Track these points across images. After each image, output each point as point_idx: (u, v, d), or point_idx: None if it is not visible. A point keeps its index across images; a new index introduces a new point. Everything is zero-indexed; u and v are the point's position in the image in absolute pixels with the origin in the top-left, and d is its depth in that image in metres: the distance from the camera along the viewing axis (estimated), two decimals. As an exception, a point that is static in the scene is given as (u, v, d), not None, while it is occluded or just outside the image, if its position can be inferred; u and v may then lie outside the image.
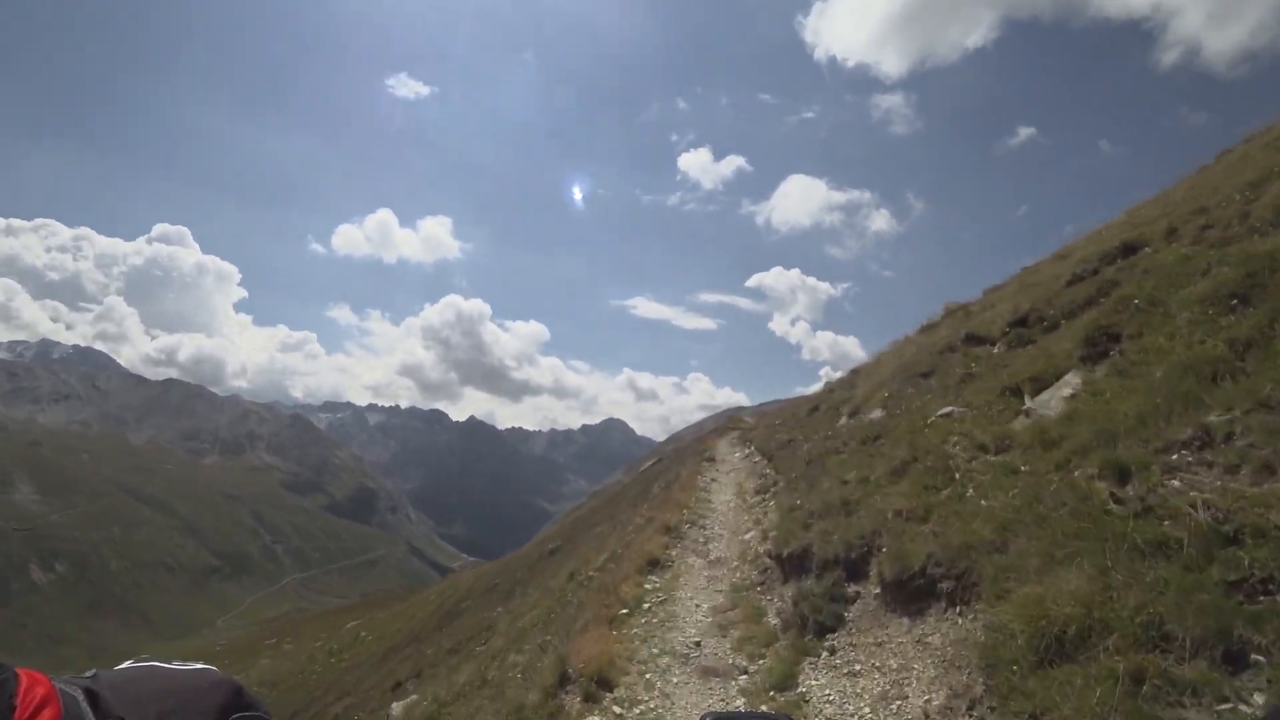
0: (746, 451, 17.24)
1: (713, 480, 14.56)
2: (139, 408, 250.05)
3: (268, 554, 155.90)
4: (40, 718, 0.52)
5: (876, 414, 10.10)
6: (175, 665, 0.62)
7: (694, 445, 26.13)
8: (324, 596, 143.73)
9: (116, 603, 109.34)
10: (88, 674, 0.57)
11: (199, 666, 0.62)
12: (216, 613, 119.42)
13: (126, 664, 0.60)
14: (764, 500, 10.84)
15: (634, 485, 25.63)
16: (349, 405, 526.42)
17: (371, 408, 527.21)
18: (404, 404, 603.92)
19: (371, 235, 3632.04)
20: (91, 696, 0.59)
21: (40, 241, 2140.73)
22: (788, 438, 14.05)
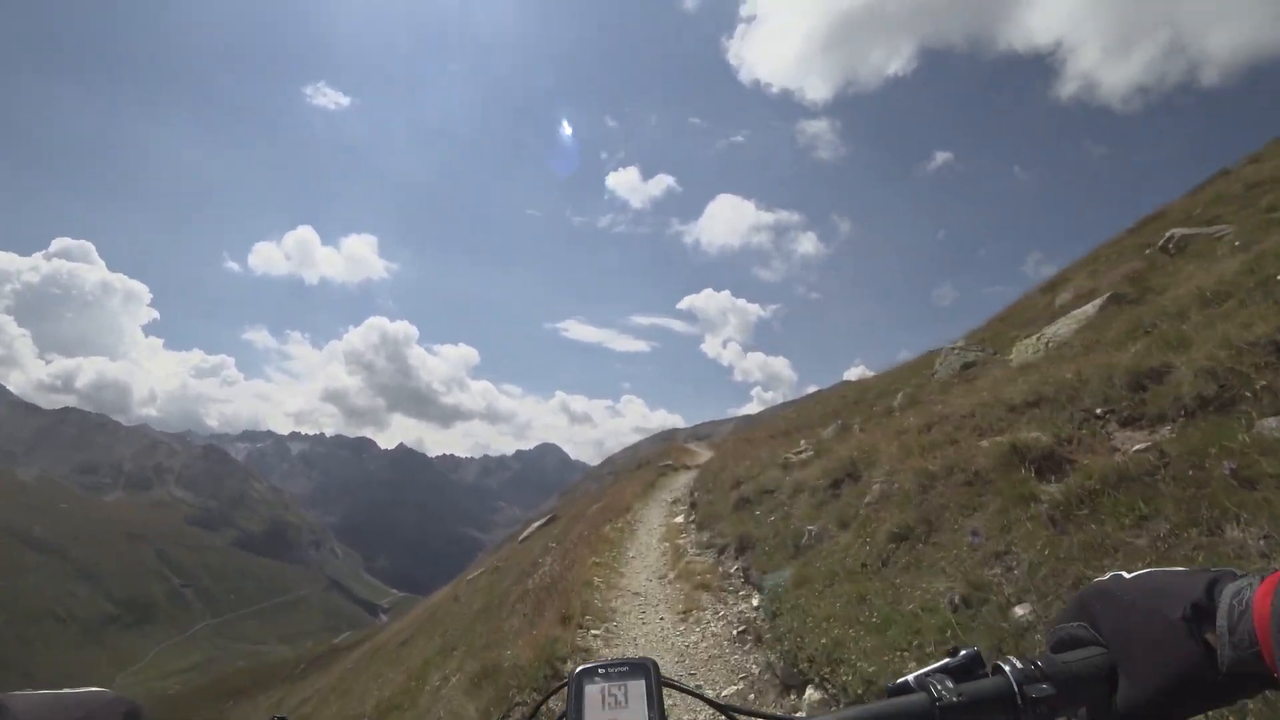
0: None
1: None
2: (30, 439, 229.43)
3: (175, 598, 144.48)
4: None
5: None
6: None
7: (585, 523, 13.02)
8: (239, 643, 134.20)
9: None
10: None
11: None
12: (114, 668, 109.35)
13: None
14: None
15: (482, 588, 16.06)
16: (269, 434, 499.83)
17: (294, 436, 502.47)
18: (329, 432, 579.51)
19: (291, 253, 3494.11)
20: None
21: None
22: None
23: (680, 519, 11.08)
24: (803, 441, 10.88)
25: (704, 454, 26.00)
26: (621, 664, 0.57)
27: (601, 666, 0.58)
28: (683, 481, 15.82)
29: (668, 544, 9.43)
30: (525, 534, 21.62)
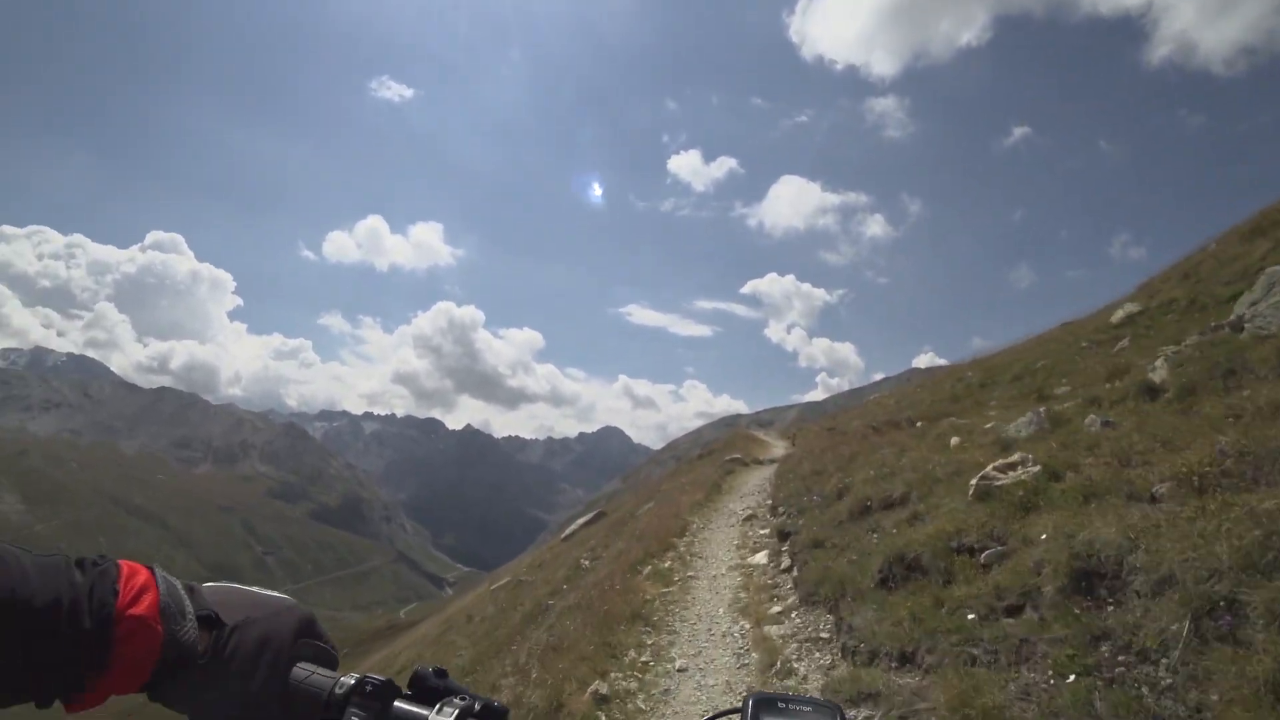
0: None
1: None
2: (131, 416, 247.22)
3: (259, 565, 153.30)
4: (142, 601, 0.57)
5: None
6: (254, 589, 0.69)
7: (626, 542, 10.63)
8: (316, 609, 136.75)
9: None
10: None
11: (276, 594, 0.70)
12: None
13: (208, 584, 0.67)
14: None
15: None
16: (344, 414, 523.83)
17: (367, 416, 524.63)
18: (399, 412, 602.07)
19: (362, 241, 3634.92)
20: (189, 589, 0.65)
21: (32, 249, 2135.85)
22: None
23: (763, 558, 7.28)
24: (971, 438, 7.24)
25: (774, 444, 23.92)
26: (805, 702, 0.50)
27: (782, 700, 0.50)
28: (754, 483, 13.03)
29: (748, 627, 5.39)
30: (568, 531, 19.41)
